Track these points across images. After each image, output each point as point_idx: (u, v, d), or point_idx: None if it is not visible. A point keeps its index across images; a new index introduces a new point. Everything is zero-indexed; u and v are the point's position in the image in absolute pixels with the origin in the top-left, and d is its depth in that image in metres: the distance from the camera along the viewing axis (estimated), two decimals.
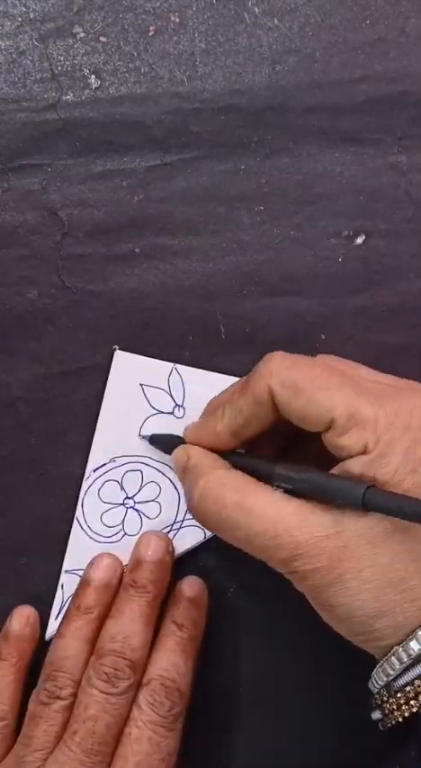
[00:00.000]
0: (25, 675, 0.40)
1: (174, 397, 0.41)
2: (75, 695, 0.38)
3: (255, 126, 0.42)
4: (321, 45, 0.42)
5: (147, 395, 0.41)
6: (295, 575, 0.34)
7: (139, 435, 0.41)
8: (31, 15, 0.42)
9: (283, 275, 0.42)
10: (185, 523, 0.41)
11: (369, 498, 0.32)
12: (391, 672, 0.33)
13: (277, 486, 0.34)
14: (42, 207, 0.42)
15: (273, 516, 0.33)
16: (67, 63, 0.42)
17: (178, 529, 0.41)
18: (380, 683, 0.34)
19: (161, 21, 0.42)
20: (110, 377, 0.42)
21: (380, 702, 0.34)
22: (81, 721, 0.37)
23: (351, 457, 0.33)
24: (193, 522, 0.41)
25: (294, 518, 0.33)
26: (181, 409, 0.41)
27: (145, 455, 0.41)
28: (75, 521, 0.42)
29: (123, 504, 0.42)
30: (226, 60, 0.42)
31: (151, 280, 0.42)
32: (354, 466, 0.33)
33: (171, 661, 0.38)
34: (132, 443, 0.41)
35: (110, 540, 0.41)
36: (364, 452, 0.33)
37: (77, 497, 0.42)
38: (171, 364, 0.42)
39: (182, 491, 0.41)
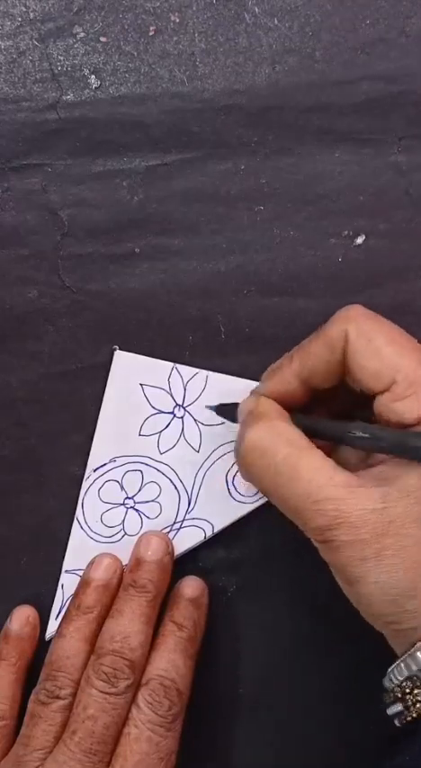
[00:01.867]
0: (25, 675, 0.40)
1: (175, 396, 0.41)
2: (74, 695, 0.38)
3: (255, 126, 0.42)
4: (321, 45, 0.42)
5: (147, 395, 0.41)
6: (330, 544, 0.33)
7: (206, 407, 0.40)
8: (31, 15, 0.42)
9: (283, 275, 0.42)
10: (185, 523, 0.41)
11: None
12: (414, 667, 0.33)
13: (351, 436, 0.33)
14: (42, 207, 0.42)
15: (320, 481, 0.32)
16: (67, 63, 0.42)
17: (178, 529, 0.41)
18: (400, 676, 0.33)
19: (161, 21, 0.42)
20: (110, 377, 0.42)
21: (400, 695, 0.33)
22: (80, 721, 0.37)
23: (404, 426, 0.33)
24: (193, 522, 0.41)
25: (342, 488, 0.32)
26: (181, 409, 0.41)
27: (145, 455, 0.41)
28: (75, 521, 0.41)
29: (123, 504, 0.42)
30: (226, 60, 0.42)
31: (151, 280, 0.42)
32: None
33: (170, 661, 0.38)
34: (132, 443, 0.41)
35: (110, 539, 0.41)
36: (417, 424, 0.32)
37: (77, 497, 0.42)
38: (171, 364, 0.42)
39: (182, 491, 0.41)
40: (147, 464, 0.41)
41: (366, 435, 0.33)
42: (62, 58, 0.42)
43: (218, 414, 0.40)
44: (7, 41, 0.42)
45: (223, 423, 0.40)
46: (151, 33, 0.42)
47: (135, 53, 0.42)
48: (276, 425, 0.35)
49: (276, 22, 0.42)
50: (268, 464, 0.34)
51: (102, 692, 0.37)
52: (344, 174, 0.42)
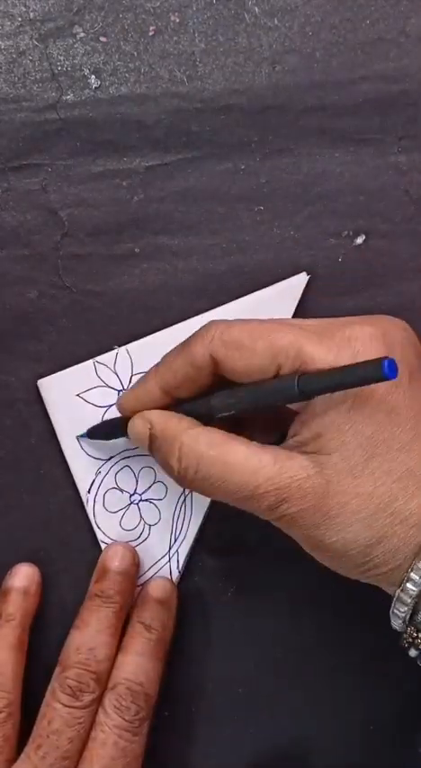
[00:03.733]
0: (27, 640, 0.40)
1: (112, 385, 0.41)
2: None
3: (255, 126, 0.42)
4: (321, 45, 0.42)
5: (88, 400, 0.41)
6: (283, 520, 0.33)
7: (77, 437, 0.41)
8: (31, 15, 0.42)
9: (283, 275, 0.42)
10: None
11: (304, 385, 0.32)
12: (401, 612, 0.33)
13: (220, 419, 0.35)
14: (42, 207, 0.42)
15: (252, 467, 0.33)
16: (67, 63, 0.42)
17: (187, 495, 0.41)
18: (399, 619, 0.33)
19: (161, 21, 0.42)
20: (47, 408, 0.42)
21: (412, 640, 0.33)
22: (44, 735, 0.37)
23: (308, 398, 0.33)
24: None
25: (273, 466, 0.33)
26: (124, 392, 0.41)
27: (122, 450, 0.41)
28: (101, 545, 0.41)
29: (131, 502, 0.42)
30: (226, 60, 0.42)
31: (151, 280, 0.42)
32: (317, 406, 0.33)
33: (138, 664, 0.38)
34: (104, 448, 0.41)
35: (139, 539, 0.41)
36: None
37: (77, 497, 0.42)
38: (90, 360, 0.41)
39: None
40: (128, 456, 0.41)
41: (232, 412, 0.34)
42: (62, 58, 0.42)
43: (90, 438, 0.41)
44: (7, 41, 0.42)
45: None
46: (151, 33, 0.42)
47: (135, 53, 0.42)
48: (190, 436, 0.35)
49: (276, 22, 0.42)
50: (203, 475, 0.34)
51: (66, 705, 0.37)
52: (344, 174, 0.42)
